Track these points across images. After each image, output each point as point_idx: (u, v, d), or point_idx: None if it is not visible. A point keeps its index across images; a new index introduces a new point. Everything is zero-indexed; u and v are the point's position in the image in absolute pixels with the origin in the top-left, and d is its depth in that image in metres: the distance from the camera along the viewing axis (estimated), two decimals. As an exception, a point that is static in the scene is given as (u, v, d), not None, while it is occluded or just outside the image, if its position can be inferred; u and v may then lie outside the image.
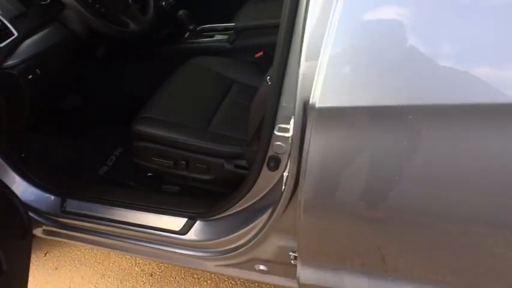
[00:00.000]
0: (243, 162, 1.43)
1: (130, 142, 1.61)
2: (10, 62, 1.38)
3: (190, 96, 1.65)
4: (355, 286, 1.12)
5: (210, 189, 1.63)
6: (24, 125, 1.59)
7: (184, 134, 1.45)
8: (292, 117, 0.92)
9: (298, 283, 1.21)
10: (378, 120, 0.72)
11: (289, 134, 0.93)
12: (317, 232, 1.03)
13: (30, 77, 1.41)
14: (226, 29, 1.99)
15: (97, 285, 1.84)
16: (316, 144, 0.79)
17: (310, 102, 0.74)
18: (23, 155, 1.62)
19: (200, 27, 2.05)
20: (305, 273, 1.17)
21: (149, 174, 1.74)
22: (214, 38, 1.97)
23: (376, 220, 0.90)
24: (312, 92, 0.74)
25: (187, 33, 2.03)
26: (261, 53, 1.76)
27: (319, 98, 0.72)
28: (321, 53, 0.70)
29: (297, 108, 0.85)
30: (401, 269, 1.03)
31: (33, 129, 1.79)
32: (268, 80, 1.11)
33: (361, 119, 0.73)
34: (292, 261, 1.27)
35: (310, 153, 0.81)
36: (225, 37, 1.95)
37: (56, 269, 1.93)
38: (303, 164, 0.86)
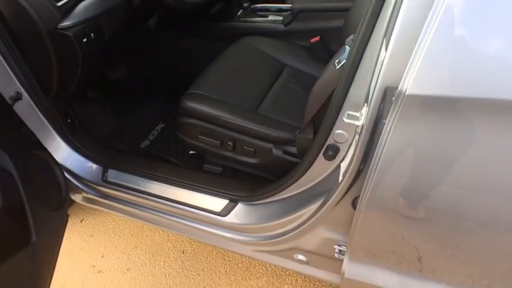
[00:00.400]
0: (293, 149, 1.38)
1: (175, 118, 1.58)
2: (66, 23, 1.35)
3: (240, 76, 1.61)
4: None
5: (253, 173, 1.59)
6: (72, 90, 1.58)
7: (235, 114, 1.41)
8: (365, 104, 0.87)
9: (342, 278, 1.17)
10: (484, 115, 0.65)
11: (360, 122, 0.87)
12: (374, 228, 0.97)
13: (84, 40, 1.38)
14: (280, 10, 1.92)
15: (129, 256, 1.85)
16: (398, 136, 0.73)
17: (399, 88, 0.68)
18: (69, 121, 1.62)
19: (254, 6, 1.99)
20: (351, 268, 1.12)
21: (191, 152, 1.72)
22: (268, 19, 1.90)
23: (450, 222, 0.84)
24: (403, 78, 0.67)
25: (241, 10, 1.97)
26: (317, 38, 1.69)
27: (411, 84, 0.66)
28: (421, 37, 0.64)
29: (375, 95, 0.79)
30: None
31: (80, 96, 1.79)
32: (336, 64, 1.05)
33: (463, 111, 0.67)
34: (336, 255, 1.22)
35: (387, 145, 0.75)
36: (279, 18, 1.88)
37: (91, 236, 1.95)
38: (375, 157, 0.80)
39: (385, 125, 0.75)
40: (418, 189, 0.80)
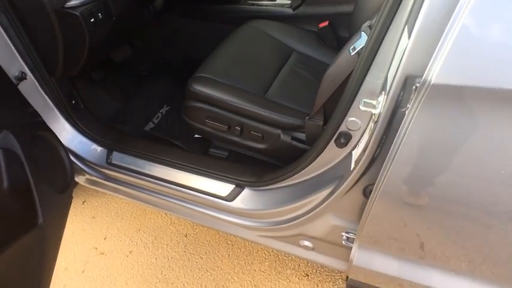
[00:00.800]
0: (301, 136, 1.38)
1: (180, 101, 1.57)
2: (73, 2, 1.32)
3: (248, 60, 1.59)
4: (416, 276, 1.08)
5: (259, 159, 1.58)
6: (77, 71, 1.56)
7: (243, 99, 1.40)
8: (382, 92, 0.86)
9: (350, 265, 1.18)
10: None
11: (377, 111, 0.86)
12: (387, 217, 0.97)
13: (92, 20, 1.36)
14: (289, -8, 1.89)
15: (132, 239, 1.85)
16: (419, 125, 0.73)
17: (424, 77, 0.67)
18: (73, 102, 1.60)
19: (261, -12, 1.95)
20: (360, 256, 1.13)
21: (196, 136, 1.71)
22: (276, 2, 1.87)
23: (468, 215, 0.84)
24: (428, 66, 0.66)
25: (248, -8, 1.94)
26: (325, 23, 1.67)
27: (436, 73, 0.65)
28: (449, 25, 0.63)
29: (395, 83, 0.78)
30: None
31: (84, 77, 1.77)
32: (351, 50, 1.03)
33: (491, 102, 0.66)
34: (344, 242, 1.23)
35: (408, 134, 0.75)
36: (287, 2, 1.84)
37: (93, 218, 1.94)
38: (393, 145, 0.80)
39: (406, 114, 0.74)
40: (437, 179, 0.80)
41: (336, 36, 1.70)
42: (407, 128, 0.75)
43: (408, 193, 0.86)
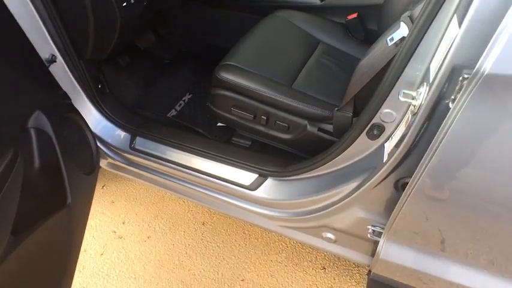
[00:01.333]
0: (328, 127, 1.37)
1: (202, 89, 1.56)
2: None
3: (275, 50, 1.58)
4: (440, 271, 1.07)
5: (281, 149, 1.58)
6: (106, 55, 1.56)
7: (271, 88, 1.39)
8: (424, 83, 0.85)
9: (377, 259, 1.17)
10: None
11: (417, 102, 0.85)
12: (422, 212, 0.96)
13: (124, 4, 1.36)
14: (316, -16, 1.87)
15: (150, 224, 1.87)
16: (467, 117, 0.71)
17: (477, 67, 0.66)
18: (99, 86, 1.60)
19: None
20: (388, 250, 1.13)
21: (219, 124, 1.70)
22: (304, -7, 1.86)
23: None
24: (483, 56, 0.65)
25: (275, -18, 1.92)
26: (354, 15, 1.65)
27: (492, 63, 0.64)
28: (510, 10, 0.61)
29: (440, 74, 0.77)
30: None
31: (110, 62, 1.77)
32: (388, 41, 1.02)
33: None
34: (369, 235, 1.22)
35: (453, 127, 0.73)
36: (315, -7, 1.83)
37: (112, 202, 1.96)
38: (435, 138, 0.78)
39: (453, 106, 0.73)
40: (483, 175, 0.79)
41: (365, 29, 1.68)
42: (452, 121, 0.73)
43: (448, 189, 0.85)
